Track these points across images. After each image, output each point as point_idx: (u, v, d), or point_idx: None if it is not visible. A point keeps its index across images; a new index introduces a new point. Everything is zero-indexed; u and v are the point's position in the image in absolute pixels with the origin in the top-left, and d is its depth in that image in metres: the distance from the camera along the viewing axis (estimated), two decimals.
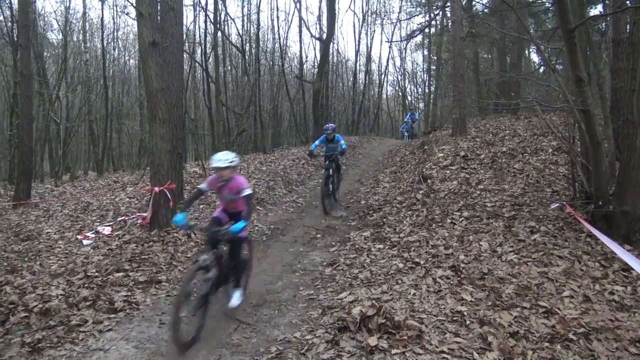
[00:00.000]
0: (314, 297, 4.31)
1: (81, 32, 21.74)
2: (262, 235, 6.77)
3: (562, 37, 4.68)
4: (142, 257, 5.36)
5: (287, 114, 26.52)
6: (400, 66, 35.11)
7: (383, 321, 3.29)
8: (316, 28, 31.73)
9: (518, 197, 6.15)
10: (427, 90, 29.02)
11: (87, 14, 22.60)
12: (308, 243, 6.30)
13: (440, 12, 18.91)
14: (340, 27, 48.32)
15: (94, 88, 21.53)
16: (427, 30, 22.68)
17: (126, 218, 7.23)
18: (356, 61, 27.38)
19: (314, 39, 30.14)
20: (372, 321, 3.32)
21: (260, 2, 43.98)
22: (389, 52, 43.77)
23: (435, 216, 5.99)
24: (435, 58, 24.66)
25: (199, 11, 19.68)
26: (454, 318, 3.48)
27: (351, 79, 28.91)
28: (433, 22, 21.52)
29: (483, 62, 19.73)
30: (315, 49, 30.27)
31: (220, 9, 17.05)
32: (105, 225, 7.01)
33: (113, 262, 5.13)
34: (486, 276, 4.12)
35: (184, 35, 12.86)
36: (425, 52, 28.15)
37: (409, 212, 6.57)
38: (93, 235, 6.57)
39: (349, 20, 51.87)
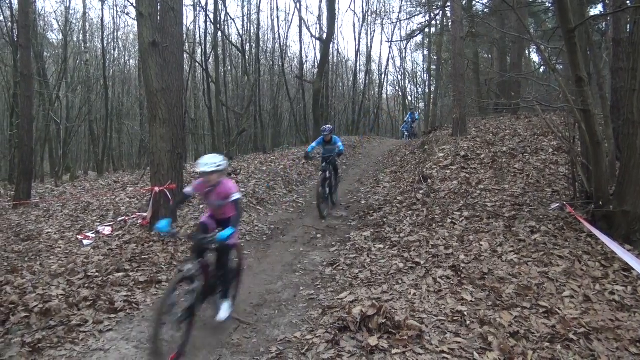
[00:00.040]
0: (314, 297, 4.31)
1: (81, 32, 21.76)
2: (263, 235, 6.77)
3: (562, 36, 4.68)
4: (143, 257, 5.36)
5: (287, 114, 26.52)
6: (401, 66, 35.15)
7: (383, 321, 3.29)
8: (316, 28, 31.77)
9: (518, 197, 6.15)
10: (427, 90, 29.05)
11: (87, 14, 22.63)
12: (308, 243, 6.30)
13: (441, 12, 18.94)
14: (340, 27, 48.36)
15: (94, 88, 21.53)
16: (427, 30, 22.70)
17: (126, 218, 7.23)
18: (356, 61, 27.41)
19: (314, 39, 30.15)
20: (373, 321, 3.32)
21: (260, 2, 44.02)
22: (389, 52, 43.82)
23: (436, 216, 5.99)
24: (435, 58, 24.68)
25: (199, 11, 19.73)
26: (455, 318, 3.48)
27: (351, 79, 28.91)
28: (433, 22, 21.55)
29: (483, 62, 19.74)
30: (315, 49, 30.31)
31: (221, 9, 17.08)
32: (106, 225, 7.01)
33: (113, 262, 5.13)
34: (486, 276, 4.12)
35: (184, 35, 12.88)
36: (426, 52, 28.17)
37: (409, 212, 6.57)
38: (93, 235, 6.57)
39: (349, 20, 52.03)
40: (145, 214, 6.74)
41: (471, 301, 3.72)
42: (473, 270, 4.25)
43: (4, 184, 14.56)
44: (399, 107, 33.61)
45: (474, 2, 16.21)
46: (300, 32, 25.97)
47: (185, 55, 11.19)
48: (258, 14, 22.38)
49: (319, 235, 6.60)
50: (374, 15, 27.96)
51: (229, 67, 22.99)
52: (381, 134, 27.36)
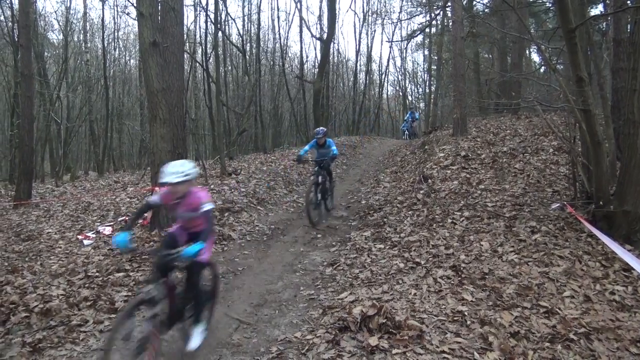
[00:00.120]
0: (314, 297, 4.31)
1: (82, 32, 21.76)
2: (263, 235, 6.77)
3: (562, 36, 4.67)
4: (143, 257, 5.36)
5: (287, 114, 26.52)
6: (401, 66, 35.08)
7: (384, 321, 3.29)
8: (317, 28, 31.76)
9: (519, 197, 6.14)
10: (427, 90, 29.04)
11: (87, 14, 22.59)
12: (309, 243, 6.30)
13: (441, 12, 18.91)
14: (340, 27, 48.39)
15: (94, 88, 21.53)
16: (427, 30, 22.68)
17: (127, 218, 7.23)
18: (357, 61, 27.39)
19: (314, 39, 30.17)
20: (373, 321, 3.32)
21: (260, 2, 44.00)
22: (390, 52, 43.74)
23: (436, 216, 5.99)
24: (435, 58, 24.65)
25: (200, 11, 19.69)
26: (455, 318, 3.48)
27: (352, 78, 28.89)
28: (434, 22, 21.54)
29: (484, 62, 19.72)
30: (315, 49, 30.26)
31: (221, 9, 17.03)
32: (106, 225, 7.02)
33: (113, 262, 5.14)
34: (487, 276, 4.12)
35: (185, 35, 12.86)
36: (426, 52, 28.13)
37: (409, 212, 6.57)
38: (94, 235, 6.58)
39: (350, 20, 52.05)
40: (145, 214, 6.74)
41: (472, 301, 3.72)
42: (473, 270, 4.25)
43: (4, 183, 14.58)
44: (400, 107, 33.60)
45: (474, 2, 16.20)
46: (301, 32, 25.90)
47: (185, 55, 11.17)
48: (258, 14, 22.42)
49: (319, 235, 6.60)
50: (375, 15, 27.95)
51: (230, 67, 23.00)
52: (381, 134, 27.37)
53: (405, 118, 21.08)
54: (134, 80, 25.99)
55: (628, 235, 4.47)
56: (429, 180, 7.86)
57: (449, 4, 13.21)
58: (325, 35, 19.20)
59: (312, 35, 34.68)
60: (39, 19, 18.36)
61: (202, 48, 19.09)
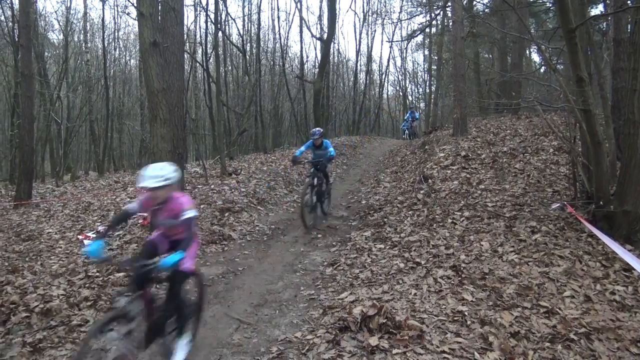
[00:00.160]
0: (314, 297, 4.31)
1: (82, 32, 21.77)
2: (263, 235, 6.78)
3: (563, 36, 4.67)
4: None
5: (288, 114, 26.54)
6: (401, 66, 35.02)
7: (384, 321, 3.30)
8: (317, 28, 31.71)
9: (519, 197, 6.14)
10: (427, 90, 29.03)
11: (88, 14, 22.58)
12: (309, 243, 6.30)
13: (441, 12, 18.92)
14: (341, 27, 48.37)
15: (94, 88, 21.54)
16: (427, 30, 22.67)
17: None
18: (357, 61, 27.38)
19: (314, 39, 30.10)
20: (373, 321, 3.32)
21: (260, 2, 43.98)
22: (390, 52, 43.79)
23: (436, 216, 5.99)
24: (436, 58, 24.64)
25: (200, 11, 19.72)
26: (455, 318, 3.48)
27: (352, 78, 28.88)
28: (434, 22, 21.53)
29: (484, 62, 19.72)
30: (316, 49, 30.22)
31: (221, 9, 17.04)
32: (107, 226, 7.01)
33: (114, 262, 5.13)
34: (487, 276, 4.12)
35: (185, 35, 12.87)
36: (426, 52, 28.12)
37: (409, 212, 6.57)
38: (94, 236, 6.57)
39: (350, 20, 52.05)
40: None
41: (472, 301, 3.72)
42: (474, 270, 4.25)
43: (5, 184, 14.58)
44: (400, 107, 33.60)
45: (474, 2, 16.20)
46: (301, 32, 25.81)
47: (185, 55, 11.18)
48: (259, 14, 22.43)
49: (319, 235, 6.61)
50: (375, 15, 27.94)
51: (230, 67, 23.01)
52: (382, 134, 27.36)
53: (406, 117, 21.08)
54: (134, 80, 26.01)
55: (628, 235, 4.47)
56: (429, 180, 7.86)
57: (449, 4, 13.21)
58: (325, 35, 19.19)
59: (312, 35, 34.66)
60: (39, 19, 18.37)
61: (202, 48, 19.11)
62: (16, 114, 14.82)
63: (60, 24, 20.87)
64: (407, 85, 32.09)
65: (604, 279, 3.95)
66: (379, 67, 30.52)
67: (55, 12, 32.12)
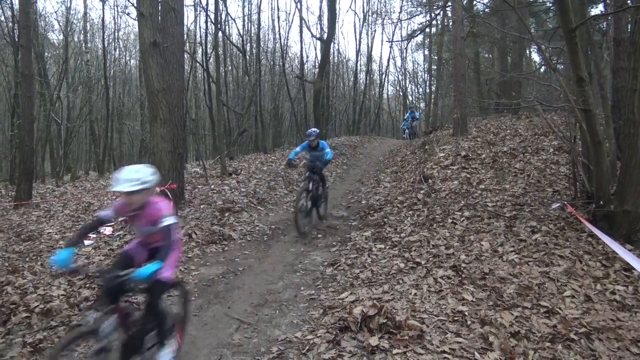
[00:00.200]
0: (315, 297, 4.31)
1: (82, 32, 21.76)
2: (263, 235, 6.78)
3: (563, 36, 4.67)
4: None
5: (288, 114, 26.52)
6: (401, 66, 35.01)
7: (384, 321, 3.30)
8: (317, 28, 31.74)
9: (519, 197, 6.14)
10: (427, 90, 29.01)
11: (88, 14, 22.56)
12: (309, 243, 6.30)
13: (441, 12, 18.92)
14: (341, 27, 48.35)
15: (94, 88, 21.54)
16: (427, 30, 22.68)
17: (127, 218, 7.22)
18: (357, 61, 27.36)
19: (314, 39, 30.06)
20: (373, 321, 3.32)
21: (260, 2, 43.92)
22: (390, 52, 43.78)
23: (436, 216, 5.99)
24: (436, 58, 24.63)
25: (200, 11, 19.71)
26: (455, 318, 3.48)
27: (352, 78, 28.86)
28: (434, 22, 21.53)
29: (484, 61, 19.72)
30: (316, 49, 30.19)
31: (221, 9, 17.04)
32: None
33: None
34: (487, 276, 4.12)
35: (185, 36, 12.87)
36: (426, 52, 28.10)
37: (410, 212, 6.57)
38: (94, 236, 6.56)
39: (350, 20, 52.03)
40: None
41: (472, 301, 3.72)
42: (474, 270, 4.25)
43: (5, 184, 14.58)
44: (400, 107, 33.59)
45: (474, 2, 16.20)
46: (301, 32, 25.77)
47: (185, 55, 11.19)
48: (259, 14, 22.41)
49: (319, 235, 6.61)
50: (375, 15, 27.92)
51: (230, 67, 23.01)
52: (382, 134, 27.35)
53: (406, 117, 21.09)
54: (134, 81, 26.01)
55: (628, 235, 4.47)
56: (429, 180, 7.86)
57: (449, 3, 13.21)
58: (325, 35, 19.19)
59: (312, 35, 34.63)
60: (39, 19, 18.37)
61: (202, 48, 19.11)
62: (16, 114, 14.81)
63: (60, 24, 20.89)
64: (407, 85, 32.11)
65: (604, 278, 3.95)
66: (379, 67, 30.53)
67: (55, 12, 32.13)
